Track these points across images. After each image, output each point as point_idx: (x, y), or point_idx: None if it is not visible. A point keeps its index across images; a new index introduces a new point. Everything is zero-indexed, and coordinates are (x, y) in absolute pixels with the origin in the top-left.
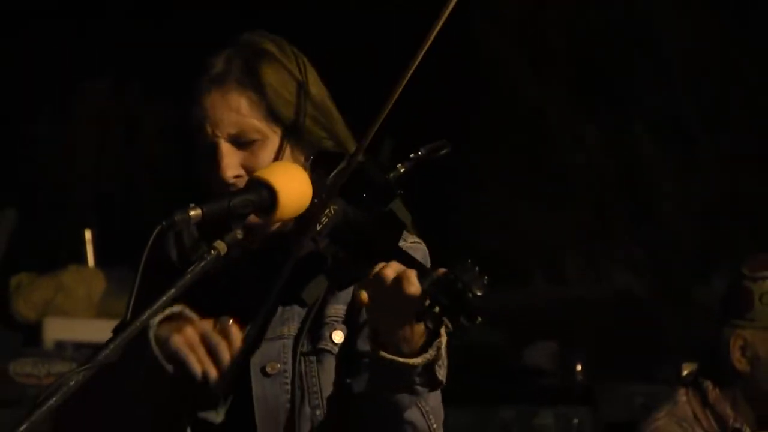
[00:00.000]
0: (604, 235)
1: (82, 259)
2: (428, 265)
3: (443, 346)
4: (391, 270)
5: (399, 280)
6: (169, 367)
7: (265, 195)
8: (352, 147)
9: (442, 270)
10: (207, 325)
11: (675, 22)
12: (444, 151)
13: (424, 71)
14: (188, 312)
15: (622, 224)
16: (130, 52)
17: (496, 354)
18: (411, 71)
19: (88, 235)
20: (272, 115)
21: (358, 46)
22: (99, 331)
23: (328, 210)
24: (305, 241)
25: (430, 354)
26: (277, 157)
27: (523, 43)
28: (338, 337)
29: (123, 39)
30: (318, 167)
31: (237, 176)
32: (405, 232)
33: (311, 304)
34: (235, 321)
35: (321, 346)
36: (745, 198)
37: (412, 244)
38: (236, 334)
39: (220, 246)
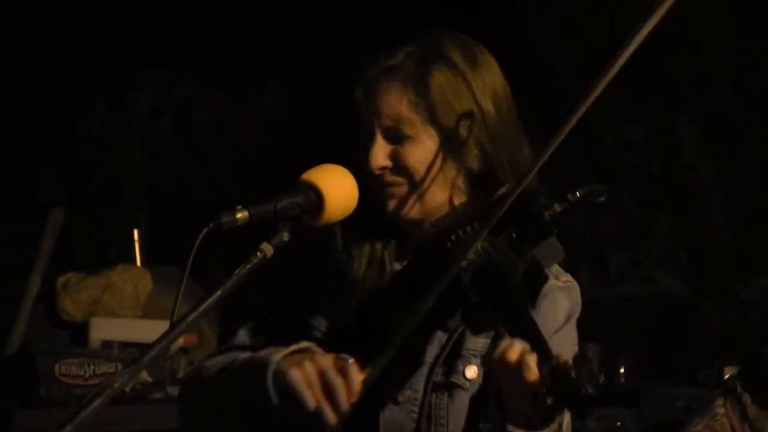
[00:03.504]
0: (648, 234)
1: (130, 258)
2: (579, 306)
3: (565, 423)
4: (515, 353)
5: (520, 363)
6: (276, 399)
7: (312, 197)
8: (513, 171)
9: (563, 359)
10: (327, 361)
11: (719, 20)
12: (602, 198)
13: None
14: (314, 348)
15: (666, 224)
16: (183, 44)
17: None
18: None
19: (135, 234)
20: (431, 119)
21: None
22: (145, 331)
23: (476, 246)
24: (451, 271)
25: (550, 430)
26: (429, 160)
27: (569, 40)
28: (471, 372)
29: (175, 29)
30: (476, 188)
31: (383, 168)
32: (558, 269)
33: (452, 331)
34: (356, 361)
35: (453, 379)
36: None
37: (565, 284)
38: (356, 377)
39: (267, 248)
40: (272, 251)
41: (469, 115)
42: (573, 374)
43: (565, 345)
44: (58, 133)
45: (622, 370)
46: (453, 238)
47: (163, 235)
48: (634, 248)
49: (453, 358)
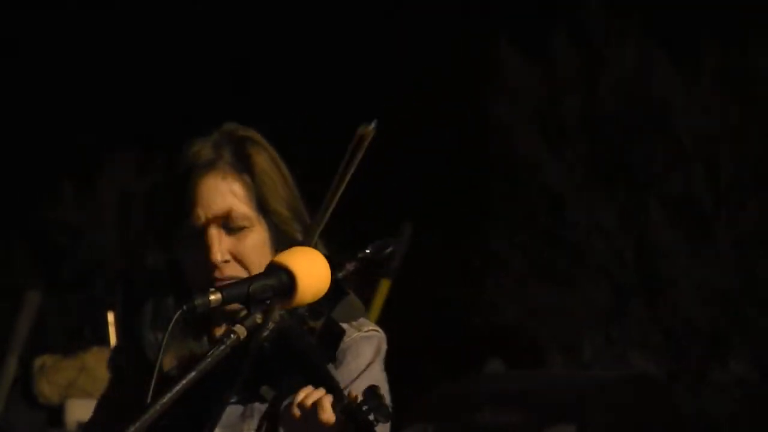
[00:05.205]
0: (622, 317)
1: (105, 340)
2: (383, 351)
3: None
4: (310, 398)
5: (315, 406)
6: None
7: (284, 280)
8: (315, 237)
9: (354, 395)
10: None
11: (689, 106)
12: (389, 250)
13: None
14: None
15: (639, 307)
16: (152, 128)
17: None
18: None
19: (110, 317)
20: (261, 204)
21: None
22: None
23: (275, 314)
24: (255, 342)
25: None
26: (263, 247)
27: (542, 128)
28: None
29: (145, 114)
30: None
31: (225, 261)
32: (363, 321)
33: (270, 399)
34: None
35: None
36: (761, 280)
37: (367, 333)
38: None
39: (240, 330)
40: (245, 333)
41: (286, 190)
42: (362, 407)
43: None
44: (30, 218)
45: None
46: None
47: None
48: (608, 331)
49: (276, 424)
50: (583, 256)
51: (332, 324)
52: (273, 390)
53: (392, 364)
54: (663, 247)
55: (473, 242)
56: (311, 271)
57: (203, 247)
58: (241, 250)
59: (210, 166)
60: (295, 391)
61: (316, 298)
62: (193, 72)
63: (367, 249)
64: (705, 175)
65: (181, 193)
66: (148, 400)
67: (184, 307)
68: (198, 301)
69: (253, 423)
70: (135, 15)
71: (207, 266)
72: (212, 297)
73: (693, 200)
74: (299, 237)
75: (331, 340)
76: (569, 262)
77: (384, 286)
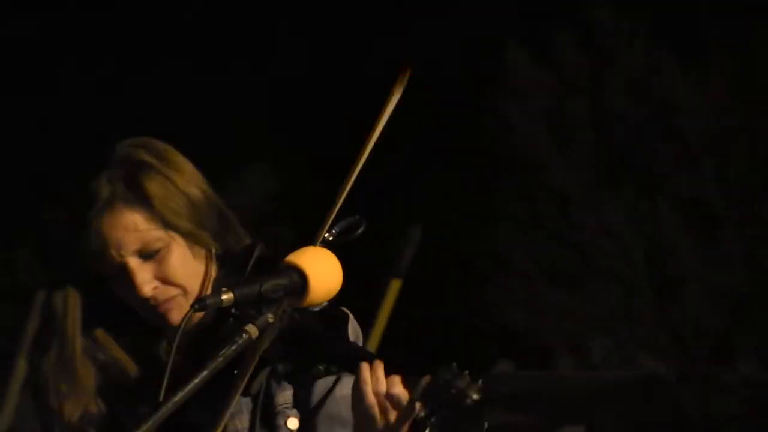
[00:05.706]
0: (630, 318)
1: None
2: (359, 331)
3: None
4: (396, 387)
5: (392, 396)
6: None
7: (296, 279)
8: (239, 234)
9: (428, 377)
10: None
11: (697, 106)
12: (360, 230)
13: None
14: None
15: (648, 308)
16: (152, 127)
17: None
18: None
19: None
20: (167, 225)
21: None
22: None
23: (278, 314)
24: (262, 343)
25: None
26: (186, 260)
27: (549, 129)
28: (293, 423)
29: (145, 114)
30: (225, 261)
31: (154, 288)
32: (327, 305)
33: (255, 394)
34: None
35: None
36: None
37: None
38: None
39: (252, 330)
40: (257, 333)
41: (186, 207)
42: (448, 386)
43: None
44: (35, 217)
45: None
46: (234, 312)
47: None
48: (617, 332)
49: (269, 417)
50: (592, 257)
51: (333, 309)
52: (265, 383)
53: (400, 364)
54: (672, 248)
55: (480, 243)
56: (323, 270)
57: (129, 282)
58: (165, 271)
59: (106, 206)
60: (307, 376)
61: (328, 298)
62: (192, 71)
63: (334, 230)
64: (714, 176)
65: (88, 239)
66: (161, 398)
67: (196, 306)
68: (209, 300)
69: (245, 419)
70: (134, 15)
71: (141, 299)
72: (224, 296)
73: (702, 201)
74: (210, 241)
75: (340, 326)
76: (577, 264)
77: (395, 287)
